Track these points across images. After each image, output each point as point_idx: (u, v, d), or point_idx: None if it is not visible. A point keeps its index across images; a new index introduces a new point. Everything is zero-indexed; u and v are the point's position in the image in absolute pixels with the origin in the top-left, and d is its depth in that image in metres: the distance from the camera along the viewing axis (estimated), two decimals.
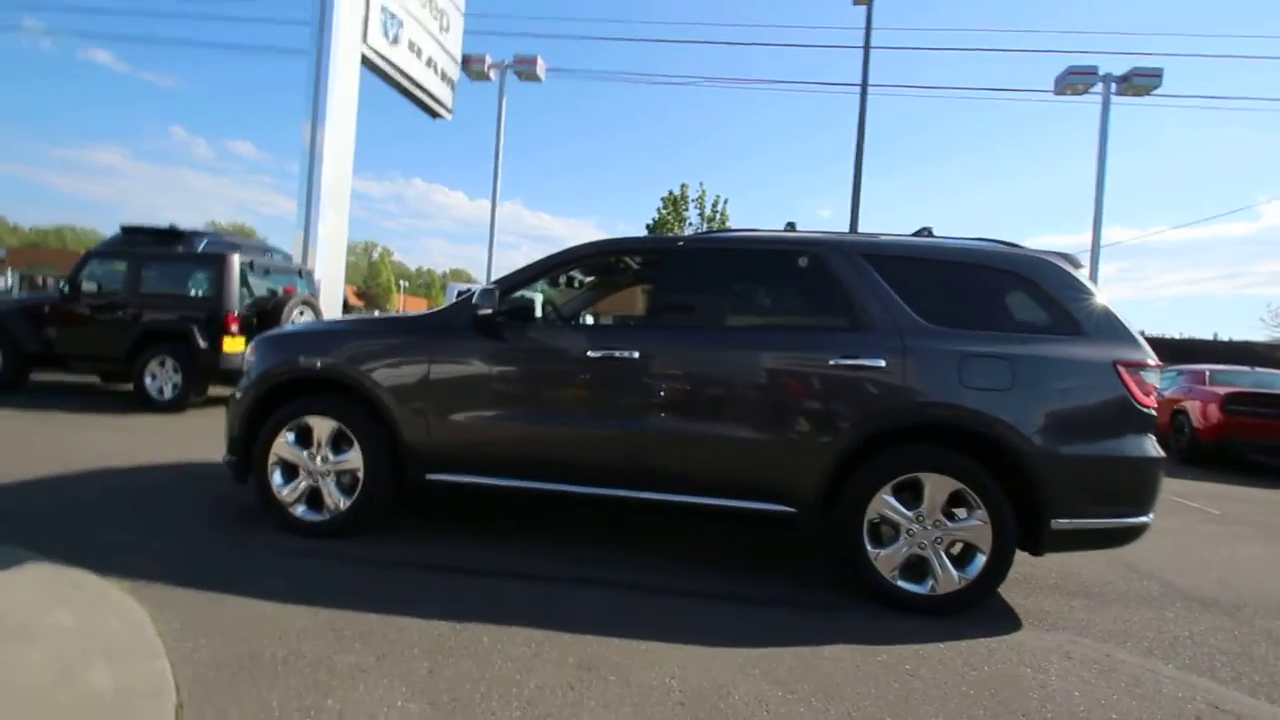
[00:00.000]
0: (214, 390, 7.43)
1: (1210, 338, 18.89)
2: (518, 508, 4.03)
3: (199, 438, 5.70)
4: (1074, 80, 15.13)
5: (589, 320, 4.72)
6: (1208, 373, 9.73)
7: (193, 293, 7.25)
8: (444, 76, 15.02)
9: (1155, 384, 2.96)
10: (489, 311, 3.21)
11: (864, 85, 12.04)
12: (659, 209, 24.11)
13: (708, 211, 23.99)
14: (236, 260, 7.17)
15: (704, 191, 24.28)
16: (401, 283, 75.51)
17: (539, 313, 3.92)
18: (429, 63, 14.14)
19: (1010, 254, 3.15)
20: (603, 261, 3.99)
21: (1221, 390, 8.75)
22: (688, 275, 3.29)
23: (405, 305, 67.77)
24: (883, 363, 2.95)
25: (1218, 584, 3.72)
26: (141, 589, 2.57)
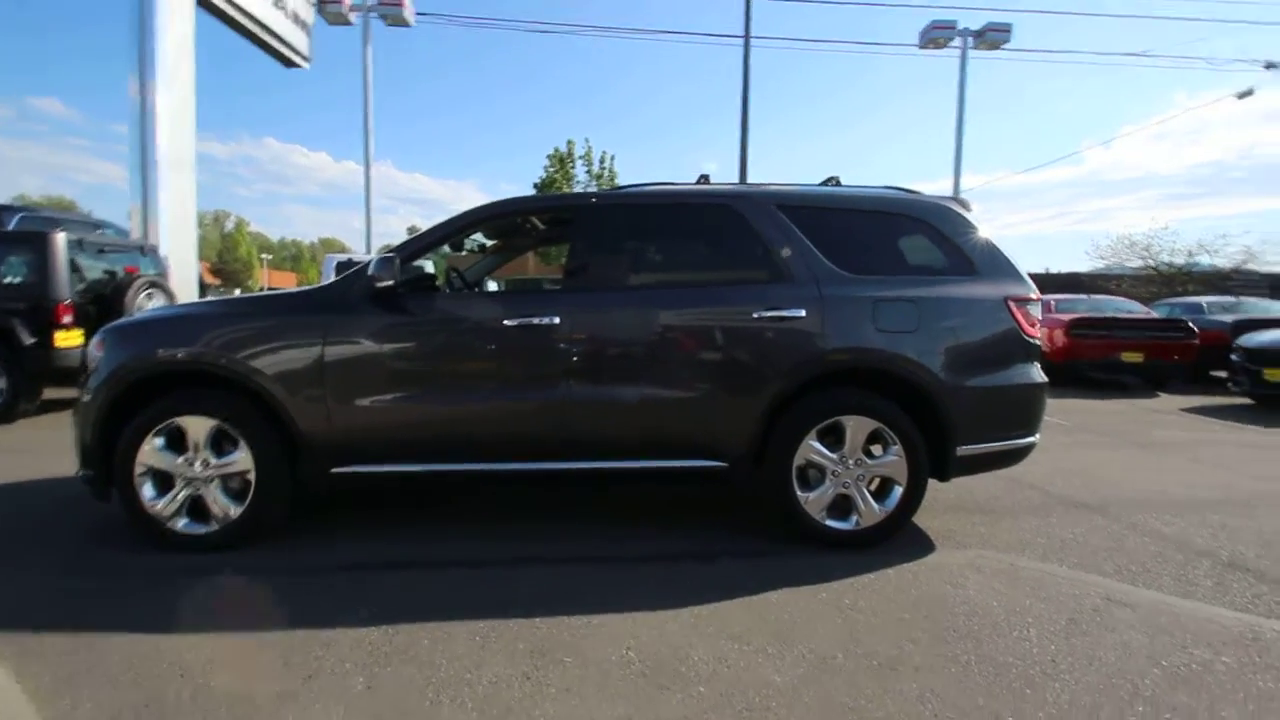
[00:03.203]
0: (51, 393, 6.41)
1: (1043, 271, 21.29)
2: (434, 493, 3.80)
3: (39, 452, 4.90)
4: (936, 35, 16.04)
5: (496, 286, 4.46)
6: (1052, 302, 10.90)
7: (9, 280, 6.13)
8: (296, 19, 13.47)
9: (1038, 316, 3.21)
10: (389, 283, 2.91)
11: (746, 36, 12.07)
12: (546, 167, 23.40)
13: (595, 168, 23.55)
14: (61, 239, 6.12)
15: (590, 148, 23.77)
16: (264, 256, 68.73)
17: (442, 282, 3.63)
18: (277, 2, 12.57)
19: (912, 200, 3.26)
20: (510, 223, 3.74)
21: (1065, 317, 9.85)
22: (604, 233, 3.14)
23: (271, 280, 61.93)
24: (803, 312, 2.98)
25: (1084, 488, 4.21)
26: None
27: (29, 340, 5.85)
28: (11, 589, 2.57)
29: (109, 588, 2.57)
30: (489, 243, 4.17)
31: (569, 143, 24.00)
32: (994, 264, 3.18)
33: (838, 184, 3.50)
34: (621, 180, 23.29)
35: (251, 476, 2.93)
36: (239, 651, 2.10)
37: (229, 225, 71.71)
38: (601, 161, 23.82)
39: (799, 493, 3.03)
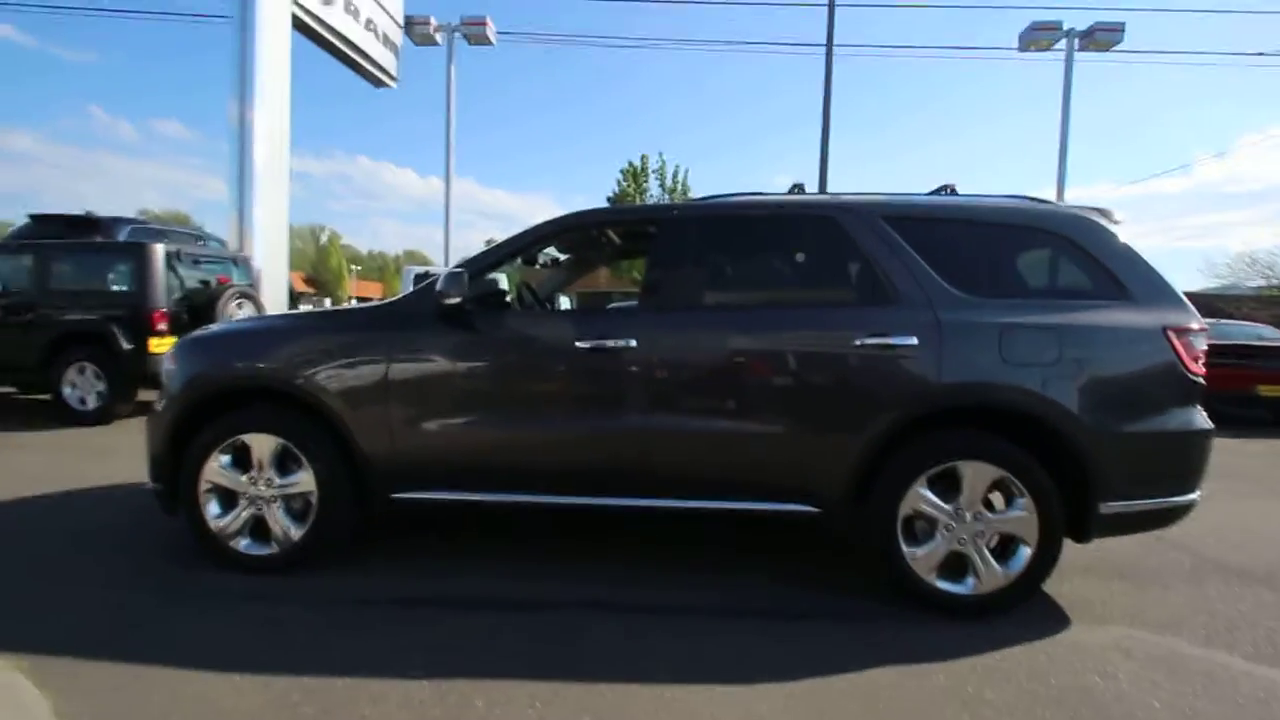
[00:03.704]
0: (145, 396, 6.71)
1: None
2: (496, 524, 3.60)
3: (128, 455, 5.07)
4: (1038, 36, 15.00)
5: (570, 304, 4.27)
6: None
7: (113, 288, 6.48)
8: (385, 40, 14.02)
9: (1203, 349, 2.69)
10: (457, 299, 2.74)
11: (829, 43, 11.62)
12: (619, 181, 23.48)
13: (669, 183, 23.45)
14: (160, 249, 6.42)
15: (664, 162, 23.71)
16: (353, 267, 72.65)
17: (513, 298, 3.45)
18: (368, 24, 13.15)
19: (1045, 211, 2.82)
20: (584, 236, 3.53)
21: None
22: (686, 248, 2.86)
23: (359, 291, 65.34)
24: (914, 340, 2.60)
25: (1241, 550, 3.56)
26: (43, 665, 2.08)
27: (126, 346, 6.13)
28: (74, 602, 2.52)
29: (166, 611, 2.48)
30: (563, 257, 3.98)
31: (643, 157, 24.06)
32: (1150, 286, 2.68)
33: (953, 193, 3.09)
34: (694, 195, 23.05)
35: (314, 498, 2.81)
36: (282, 700, 1.92)
37: (323, 239, 76.35)
38: (675, 176, 23.71)
39: (905, 548, 2.63)
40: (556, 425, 2.77)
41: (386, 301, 3.06)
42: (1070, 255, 2.75)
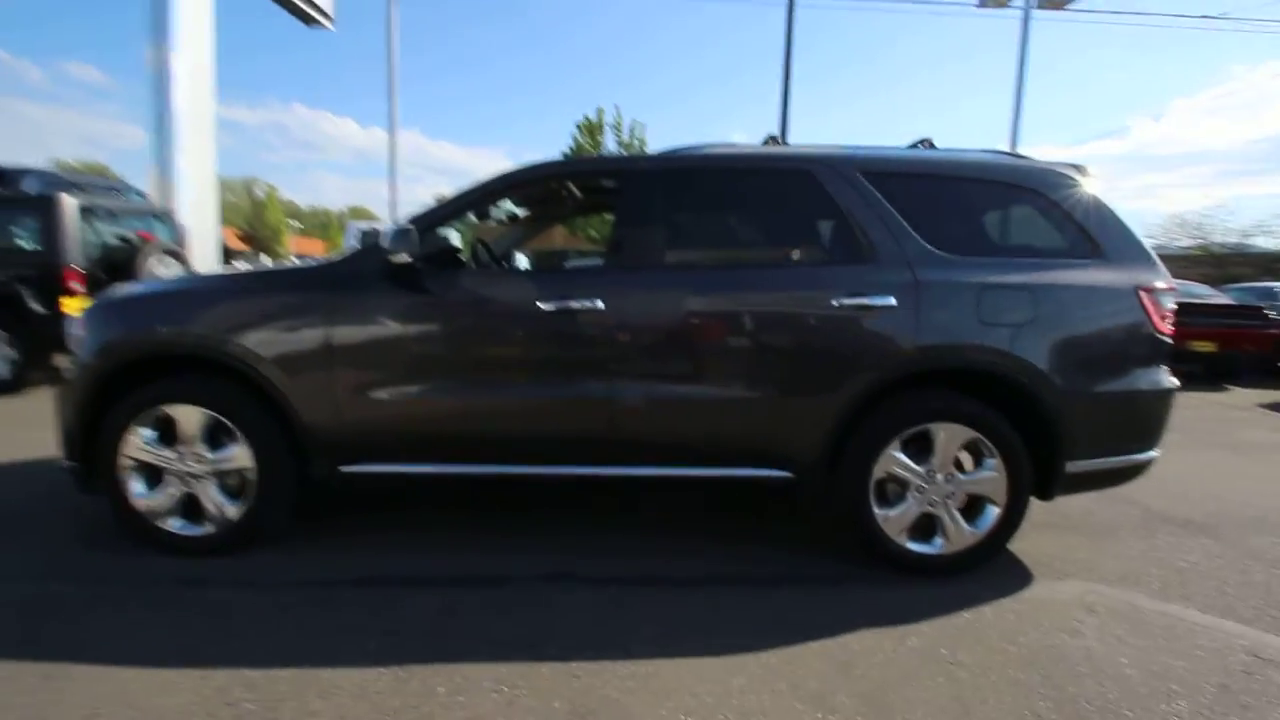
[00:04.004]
0: (62, 361, 6.18)
1: None
2: (458, 497, 3.43)
3: (43, 426, 4.64)
4: None
5: (526, 262, 4.04)
6: None
7: (21, 245, 5.87)
8: None
9: (1171, 309, 2.69)
10: (407, 258, 2.50)
11: None
12: (574, 136, 22.70)
13: (625, 137, 22.82)
14: (71, 202, 5.82)
15: (620, 117, 23.00)
16: (293, 223, 69.01)
17: (467, 256, 3.21)
18: None
19: (1022, 167, 2.74)
20: (544, 189, 3.29)
21: None
22: (655, 203, 2.67)
23: (300, 248, 62.29)
24: (893, 300, 2.51)
25: (1185, 502, 3.70)
26: None
27: (37, 307, 5.60)
28: None
29: (84, 601, 2.25)
30: (520, 212, 3.74)
31: (599, 110, 23.27)
32: (1124, 245, 2.65)
33: (930, 146, 2.98)
34: (651, 149, 22.51)
35: (251, 474, 2.59)
36: (219, 696, 1.75)
37: (259, 192, 72.10)
38: (632, 130, 23.05)
39: (876, 510, 2.60)
40: (518, 392, 2.60)
41: (328, 260, 2.79)
42: (1046, 212, 2.69)
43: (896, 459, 2.57)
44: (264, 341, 2.54)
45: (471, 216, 3.27)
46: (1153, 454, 2.73)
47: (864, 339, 2.53)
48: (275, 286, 2.69)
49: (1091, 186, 2.74)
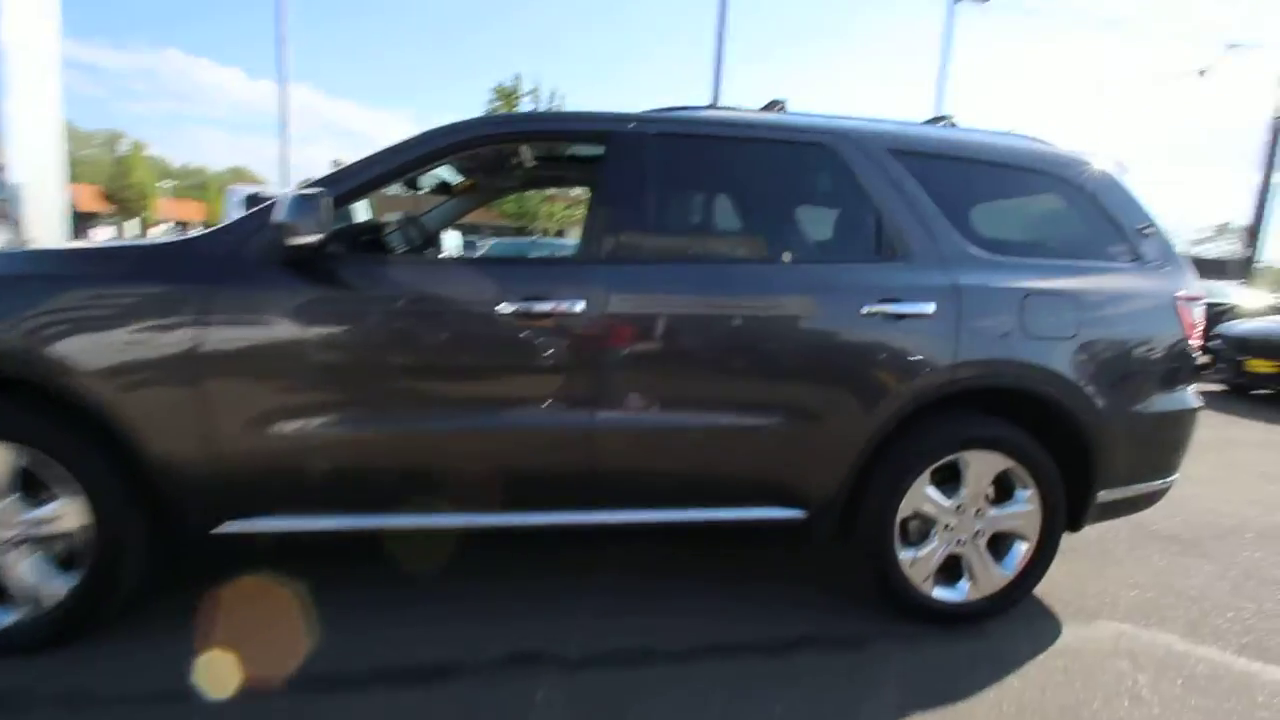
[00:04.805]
0: None
1: None
2: (381, 556, 2.74)
3: None
4: None
5: (463, 244, 3.34)
6: None
7: None
8: None
9: (1200, 319, 2.45)
10: (313, 237, 1.81)
11: None
12: (490, 102, 21.40)
13: (545, 107, 21.77)
14: None
15: (537, 87, 21.93)
16: (165, 184, 61.68)
17: (397, 238, 2.51)
18: None
19: (1063, 157, 2.39)
20: (496, 153, 2.63)
21: None
22: (647, 177, 2.11)
23: (174, 212, 55.91)
24: (931, 307, 2.10)
25: (1155, 513, 3.58)
26: None
27: None
28: None
29: None
30: (457, 181, 3.04)
31: (517, 78, 22.07)
32: (1159, 248, 2.38)
33: (952, 125, 2.58)
34: None
35: (85, 537, 1.84)
36: None
37: (123, 147, 63.86)
38: (552, 99, 22.01)
39: (901, 554, 2.22)
40: (468, 421, 1.99)
41: (193, 237, 2.03)
42: (1087, 210, 2.37)
43: (926, 494, 2.19)
44: (98, 349, 1.79)
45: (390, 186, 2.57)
46: (1175, 477, 2.51)
47: (896, 353, 2.11)
48: (120, 273, 1.91)
49: (1129, 182, 2.45)
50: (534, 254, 10.18)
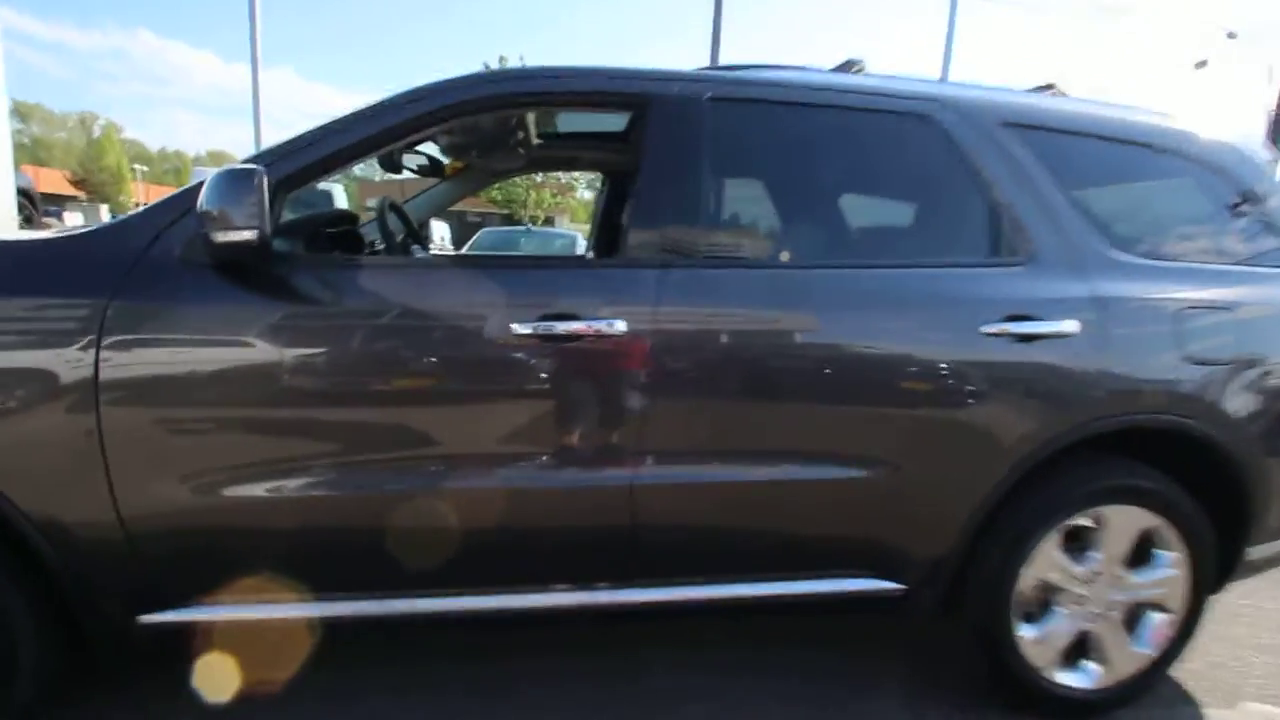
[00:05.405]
0: None
1: None
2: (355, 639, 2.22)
3: None
4: None
5: (445, 238, 2.81)
6: None
7: None
8: None
9: None
10: (248, 233, 1.29)
11: None
12: None
13: None
14: None
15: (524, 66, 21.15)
16: (139, 168, 59.77)
17: (375, 231, 1.98)
18: None
19: (1211, 142, 1.91)
20: (497, 121, 2.08)
21: None
22: (702, 154, 1.59)
23: (149, 197, 54.30)
24: (1074, 325, 1.62)
25: None
26: None
27: None
28: None
29: None
30: (445, 159, 2.49)
31: (501, 59, 21.33)
32: None
33: (1059, 94, 2.09)
34: None
35: None
36: None
37: (98, 131, 61.78)
38: None
39: (1021, 632, 1.75)
40: (468, 478, 1.48)
41: (89, 231, 1.49)
42: (1241, 204, 1.89)
43: (1054, 559, 1.73)
44: None
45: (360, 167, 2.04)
46: None
47: (1028, 385, 1.63)
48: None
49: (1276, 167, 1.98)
50: (525, 243, 9.62)
